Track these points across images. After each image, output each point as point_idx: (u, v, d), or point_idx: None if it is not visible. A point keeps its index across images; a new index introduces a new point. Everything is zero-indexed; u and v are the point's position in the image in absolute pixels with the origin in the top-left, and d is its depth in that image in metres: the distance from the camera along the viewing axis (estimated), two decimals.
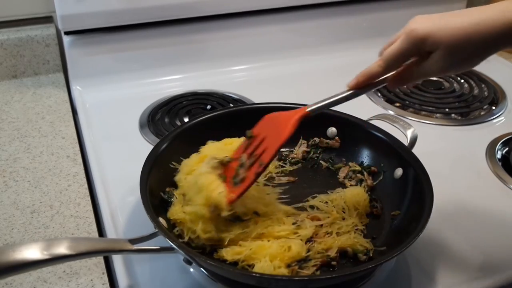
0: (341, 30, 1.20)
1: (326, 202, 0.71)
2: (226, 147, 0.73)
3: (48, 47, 1.09)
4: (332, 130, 0.81)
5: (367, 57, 1.19)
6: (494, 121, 1.00)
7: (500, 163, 0.86)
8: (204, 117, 0.79)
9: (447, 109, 1.03)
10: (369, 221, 0.70)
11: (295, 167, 0.80)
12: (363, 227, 0.69)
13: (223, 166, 0.66)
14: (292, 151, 0.82)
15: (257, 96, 1.03)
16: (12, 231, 0.71)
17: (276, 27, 1.16)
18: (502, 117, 1.00)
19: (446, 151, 0.90)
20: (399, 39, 0.60)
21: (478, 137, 0.94)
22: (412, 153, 0.72)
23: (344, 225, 0.67)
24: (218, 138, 0.80)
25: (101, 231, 0.75)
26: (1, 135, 0.91)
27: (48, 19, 1.12)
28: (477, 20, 0.55)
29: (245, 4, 1.10)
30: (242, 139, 0.70)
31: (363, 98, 0.99)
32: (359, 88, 0.64)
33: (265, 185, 0.74)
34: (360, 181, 0.76)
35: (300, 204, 0.71)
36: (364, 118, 0.82)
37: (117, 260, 0.66)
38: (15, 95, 1.04)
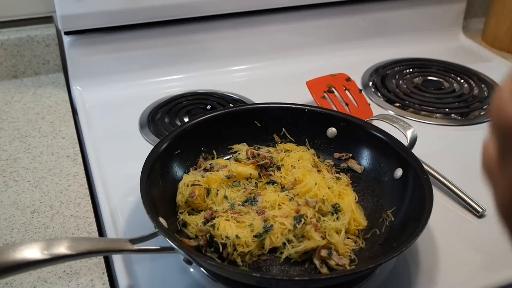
0: (341, 30, 1.21)
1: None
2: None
3: (48, 47, 1.09)
4: (332, 130, 0.81)
5: (367, 57, 1.21)
6: None
7: None
8: (204, 117, 0.79)
9: (447, 109, 1.03)
10: (368, 223, 0.70)
11: None
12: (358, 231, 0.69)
13: None
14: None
15: (257, 96, 1.03)
16: (12, 231, 0.71)
17: (276, 27, 1.16)
18: None
19: (446, 151, 0.90)
20: None
21: (478, 137, 0.93)
22: (412, 154, 0.72)
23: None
24: (218, 138, 0.81)
25: (101, 231, 0.75)
26: (1, 135, 0.91)
27: (48, 19, 1.12)
28: None
29: (245, 4, 1.10)
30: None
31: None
32: None
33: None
34: (344, 171, 0.79)
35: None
36: (364, 118, 0.82)
37: (117, 260, 0.66)
38: (15, 95, 1.04)
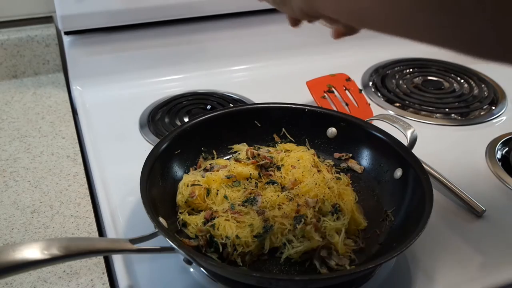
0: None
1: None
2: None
3: (48, 47, 1.09)
4: (332, 130, 0.82)
5: (367, 57, 1.20)
6: (494, 121, 1.00)
7: (500, 163, 0.86)
8: (204, 117, 0.79)
9: (447, 109, 1.03)
10: (368, 223, 0.70)
11: None
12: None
13: None
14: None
15: (257, 96, 1.03)
16: (12, 231, 0.71)
17: (276, 27, 1.15)
18: (502, 117, 1.01)
19: (446, 151, 0.90)
20: None
21: (478, 137, 0.94)
22: (412, 154, 0.72)
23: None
24: (218, 138, 0.81)
25: (101, 231, 0.75)
26: (1, 135, 0.91)
27: (48, 19, 1.12)
28: None
29: (245, 4, 1.10)
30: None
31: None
32: None
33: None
34: (344, 171, 0.79)
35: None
36: (364, 118, 0.82)
37: (117, 260, 0.66)
38: (15, 95, 1.04)
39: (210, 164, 0.76)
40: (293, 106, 0.83)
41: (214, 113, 0.81)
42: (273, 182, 0.74)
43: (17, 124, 0.95)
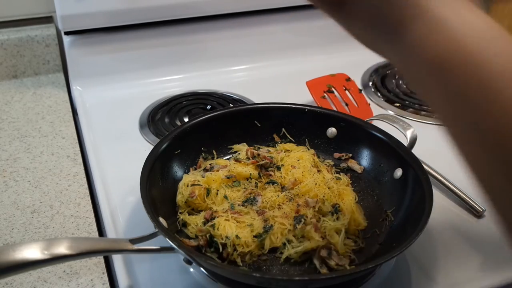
0: (341, 30, 1.20)
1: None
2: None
3: (48, 47, 1.09)
4: (332, 130, 0.82)
5: (367, 57, 1.20)
6: None
7: None
8: (204, 117, 0.79)
9: None
10: (368, 223, 0.70)
11: None
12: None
13: None
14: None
15: (257, 96, 1.03)
16: (12, 231, 0.71)
17: (276, 27, 1.16)
18: None
19: (446, 151, 0.89)
20: None
21: None
22: (412, 154, 0.72)
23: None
24: (218, 138, 0.81)
25: (101, 231, 0.75)
26: (1, 135, 0.91)
27: (48, 19, 1.12)
28: None
29: (245, 4, 1.10)
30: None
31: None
32: None
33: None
34: (344, 171, 0.79)
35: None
36: (364, 118, 0.82)
37: (117, 260, 0.66)
38: (15, 95, 1.04)
39: (210, 164, 0.76)
40: (293, 106, 0.83)
41: (214, 113, 0.81)
42: (273, 182, 0.74)
43: (17, 124, 0.95)
